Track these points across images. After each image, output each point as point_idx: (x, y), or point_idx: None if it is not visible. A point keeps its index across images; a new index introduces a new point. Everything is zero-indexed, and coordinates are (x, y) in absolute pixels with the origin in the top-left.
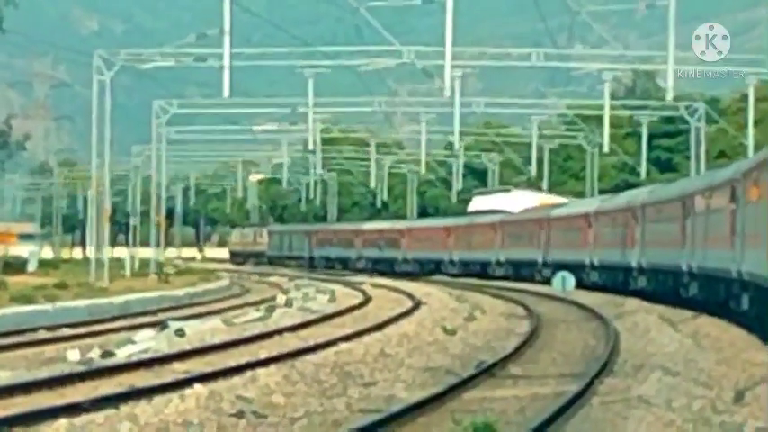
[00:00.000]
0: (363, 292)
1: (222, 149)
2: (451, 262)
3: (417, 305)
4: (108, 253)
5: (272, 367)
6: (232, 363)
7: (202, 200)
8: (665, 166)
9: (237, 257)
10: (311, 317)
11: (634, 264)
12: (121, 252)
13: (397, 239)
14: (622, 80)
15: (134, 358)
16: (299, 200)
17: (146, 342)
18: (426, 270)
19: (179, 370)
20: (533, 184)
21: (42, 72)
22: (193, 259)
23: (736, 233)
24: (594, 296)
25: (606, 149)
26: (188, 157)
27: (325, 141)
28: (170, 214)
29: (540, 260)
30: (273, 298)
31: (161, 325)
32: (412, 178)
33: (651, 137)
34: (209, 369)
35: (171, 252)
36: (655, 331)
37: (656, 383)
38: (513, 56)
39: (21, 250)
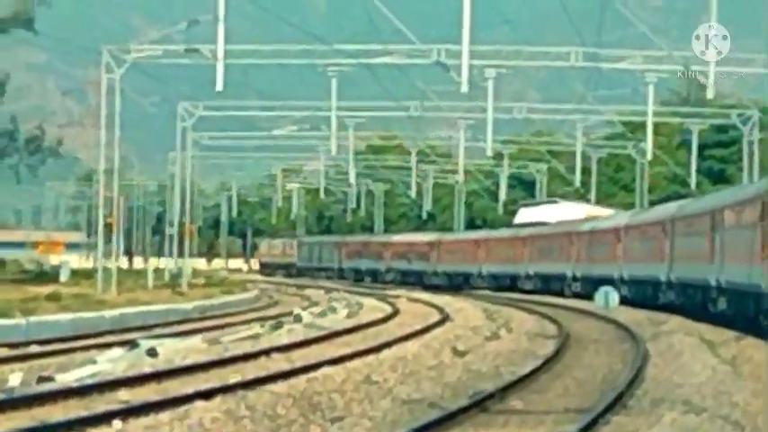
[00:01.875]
0: (393, 306)
1: (256, 156)
2: (480, 275)
3: (443, 321)
4: (154, 263)
5: (218, 399)
6: (176, 392)
7: (249, 210)
8: (718, 177)
9: (267, 269)
10: (316, 334)
11: (663, 278)
12: (165, 262)
13: (427, 252)
14: (675, 88)
15: (75, 384)
16: (345, 210)
17: (104, 364)
18: (455, 283)
19: (116, 400)
20: (582, 196)
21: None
22: (239, 270)
23: (765, 248)
24: (635, 313)
25: (649, 156)
26: (220, 165)
27: (361, 149)
28: (216, 224)
29: (569, 274)
30: (290, 313)
31: (131, 344)
32: (460, 189)
33: (704, 146)
34: (150, 398)
35: (217, 263)
36: (689, 355)
37: (668, 426)
38: (551, 55)
39: (69, 259)
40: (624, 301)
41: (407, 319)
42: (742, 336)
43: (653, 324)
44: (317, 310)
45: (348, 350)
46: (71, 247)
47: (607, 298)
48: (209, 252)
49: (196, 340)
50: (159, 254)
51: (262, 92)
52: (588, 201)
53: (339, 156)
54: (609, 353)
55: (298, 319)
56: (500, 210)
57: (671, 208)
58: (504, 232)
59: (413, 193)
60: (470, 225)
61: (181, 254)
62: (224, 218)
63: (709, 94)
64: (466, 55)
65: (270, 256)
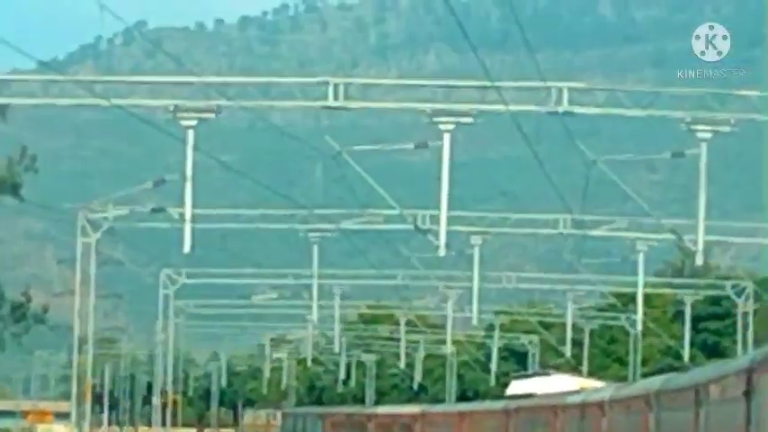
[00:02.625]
0: None
1: (244, 325)
2: None
3: None
4: None
5: None
6: None
7: (239, 380)
8: (713, 351)
9: None
10: None
11: None
12: None
13: (410, 424)
14: (670, 260)
15: None
16: (336, 381)
17: None
18: None
19: None
20: (575, 368)
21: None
22: None
23: (751, 423)
24: None
25: (640, 328)
26: (210, 334)
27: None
28: (207, 395)
29: None
30: None
31: None
32: (450, 361)
33: (698, 319)
34: None
35: None
36: None
37: None
38: (538, 222)
39: (59, 429)
40: None
41: None
42: None
43: None
44: None
45: None
46: (60, 416)
47: None
48: (200, 423)
49: None
50: (149, 423)
51: (241, 256)
52: (581, 373)
53: (327, 325)
54: None
55: None
56: (492, 381)
57: (656, 382)
58: (487, 404)
59: (401, 364)
60: (462, 397)
61: (164, 423)
62: (214, 388)
63: (698, 261)
64: (444, 216)
65: (254, 426)
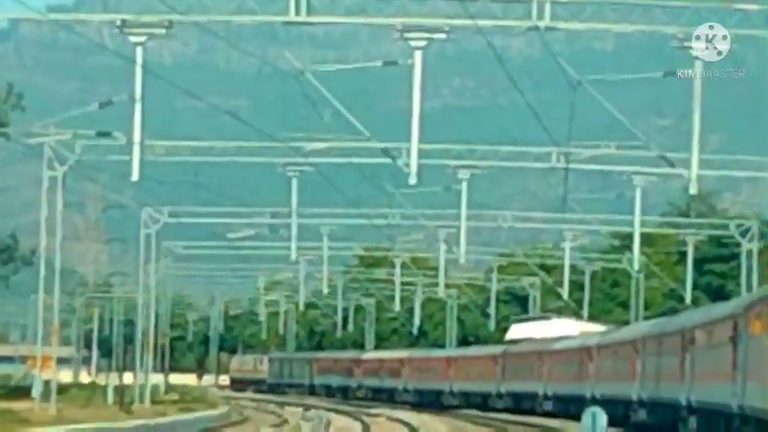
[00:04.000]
0: (365, 427)
1: (236, 267)
2: (452, 393)
3: None
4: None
5: None
6: None
7: (239, 325)
8: (718, 294)
9: (237, 384)
10: None
11: (634, 397)
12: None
13: (398, 369)
14: (675, 202)
15: None
16: (335, 326)
17: None
18: (426, 401)
19: None
20: (576, 312)
21: (95, 193)
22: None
23: (737, 367)
24: None
25: (636, 267)
26: (206, 277)
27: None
28: (206, 340)
29: (540, 393)
30: None
31: None
32: (451, 305)
33: (703, 261)
34: None
35: (207, 380)
36: None
37: None
38: (531, 155)
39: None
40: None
41: None
42: None
43: None
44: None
45: None
46: (61, 361)
47: (594, 420)
48: (201, 368)
49: None
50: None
51: (222, 193)
52: (581, 317)
53: (318, 267)
54: None
55: None
56: (492, 326)
57: (644, 326)
58: (475, 350)
59: (396, 307)
60: (464, 341)
61: (159, 368)
62: (212, 333)
63: (692, 190)
64: (415, 142)
65: (241, 372)
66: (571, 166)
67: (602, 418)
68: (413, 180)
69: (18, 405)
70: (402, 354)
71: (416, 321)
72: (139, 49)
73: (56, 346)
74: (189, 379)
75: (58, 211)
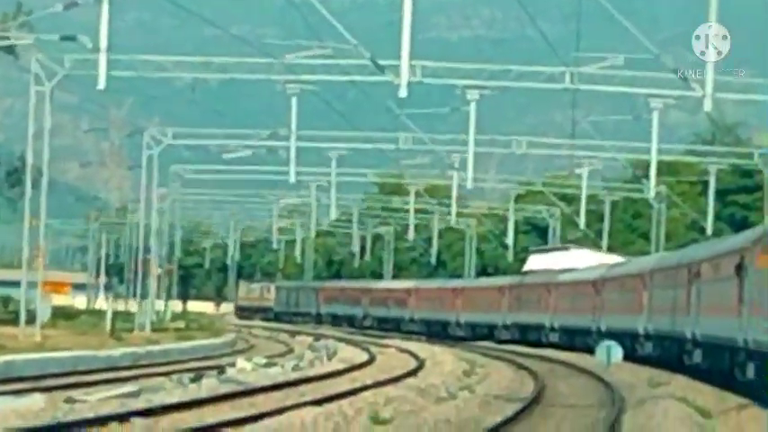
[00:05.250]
0: (371, 356)
1: (248, 193)
2: (458, 324)
3: (412, 373)
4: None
5: None
6: None
7: (257, 252)
8: (741, 225)
9: (244, 312)
10: (224, 391)
11: (641, 330)
12: (175, 306)
13: (405, 299)
14: (700, 132)
15: None
16: (352, 255)
17: None
18: (433, 331)
19: None
20: (596, 243)
21: (119, 119)
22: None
23: (743, 301)
24: (637, 371)
25: (652, 194)
26: (219, 202)
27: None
28: (224, 267)
29: (546, 324)
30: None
31: None
32: (470, 235)
33: (726, 192)
34: None
35: (226, 308)
36: None
37: None
38: (543, 75)
39: (76, 301)
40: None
41: (374, 372)
42: (748, 404)
43: (652, 386)
44: (263, 361)
45: (235, 414)
46: (77, 287)
47: (609, 353)
48: (219, 296)
49: (38, 399)
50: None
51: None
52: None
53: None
54: (571, 427)
55: (222, 371)
56: (510, 257)
57: (651, 260)
58: (482, 281)
59: (410, 237)
60: (483, 272)
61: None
62: (229, 261)
63: (706, 107)
64: (406, 53)
65: (247, 299)
66: (583, 86)
67: (617, 351)
68: (403, 93)
69: (7, 330)
70: (409, 284)
71: (434, 251)
72: None
73: (41, 270)
74: (207, 307)
75: (45, 130)
